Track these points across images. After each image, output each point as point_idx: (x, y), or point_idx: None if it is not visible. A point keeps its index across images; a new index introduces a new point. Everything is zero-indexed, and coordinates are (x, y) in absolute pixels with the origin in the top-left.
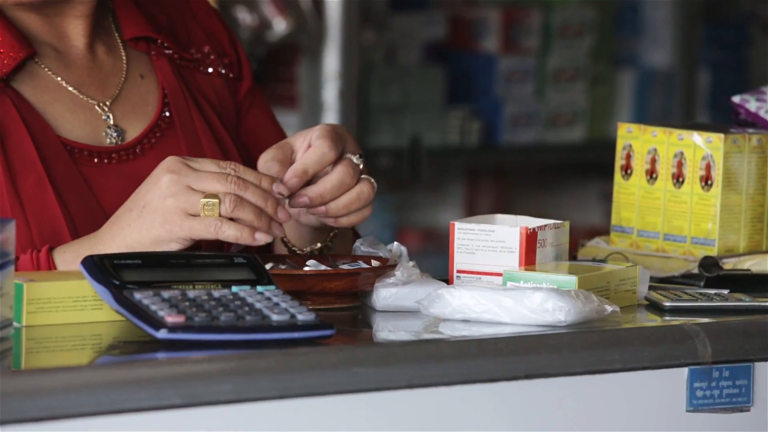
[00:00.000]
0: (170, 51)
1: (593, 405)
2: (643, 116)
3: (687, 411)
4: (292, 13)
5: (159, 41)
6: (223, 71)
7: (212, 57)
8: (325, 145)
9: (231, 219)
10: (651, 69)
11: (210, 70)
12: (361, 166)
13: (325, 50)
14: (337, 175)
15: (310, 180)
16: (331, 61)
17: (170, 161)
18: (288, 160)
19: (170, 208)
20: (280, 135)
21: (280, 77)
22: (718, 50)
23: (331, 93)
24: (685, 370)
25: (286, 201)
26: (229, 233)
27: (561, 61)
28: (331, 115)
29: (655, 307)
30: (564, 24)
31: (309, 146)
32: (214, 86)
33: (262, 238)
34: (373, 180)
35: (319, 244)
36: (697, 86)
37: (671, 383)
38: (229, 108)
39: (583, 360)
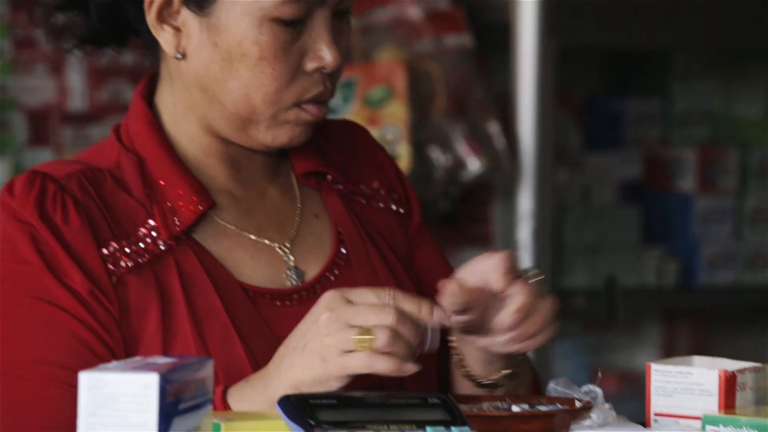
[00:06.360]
0: (341, 186)
1: None
2: None
3: None
4: (485, 152)
5: (330, 177)
6: (393, 207)
7: (382, 193)
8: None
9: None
10: None
11: (381, 205)
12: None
13: (519, 190)
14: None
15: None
16: (525, 200)
17: (329, 297)
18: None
19: (328, 347)
20: (449, 270)
21: (474, 216)
22: None
23: (525, 233)
24: None
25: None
26: (383, 367)
27: (759, 201)
28: (525, 255)
29: None
30: (762, 163)
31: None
32: (385, 221)
33: (410, 369)
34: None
35: (503, 372)
36: None
37: None
38: (402, 243)
39: None
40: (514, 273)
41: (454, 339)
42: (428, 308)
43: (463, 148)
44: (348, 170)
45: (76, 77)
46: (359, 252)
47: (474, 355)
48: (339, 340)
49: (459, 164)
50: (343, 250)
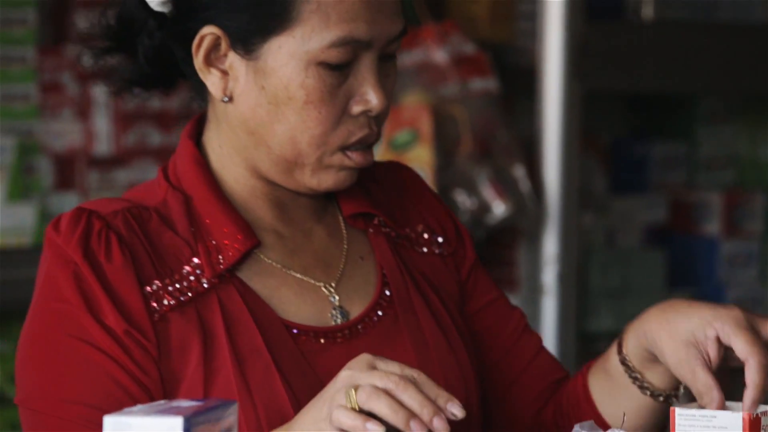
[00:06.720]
0: (387, 228)
1: None
2: None
3: None
4: (510, 195)
5: (377, 219)
6: (437, 250)
7: (425, 236)
8: (759, 359)
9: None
10: None
11: (424, 249)
12: None
13: (544, 233)
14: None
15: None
16: (550, 244)
17: (357, 358)
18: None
19: (332, 399)
20: (507, 304)
21: (498, 260)
22: None
23: (550, 276)
24: None
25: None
26: (345, 421)
27: None
28: (550, 299)
29: None
30: None
31: (719, 345)
32: (430, 265)
33: (373, 428)
34: None
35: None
36: None
37: None
38: (449, 286)
39: None
40: (756, 334)
41: (631, 362)
42: (445, 398)
43: (488, 192)
44: (394, 213)
45: (102, 121)
46: (402, 295)
47: (665, 375)
48: (339, 395)
49: (484, 208)
50: (387, 292)
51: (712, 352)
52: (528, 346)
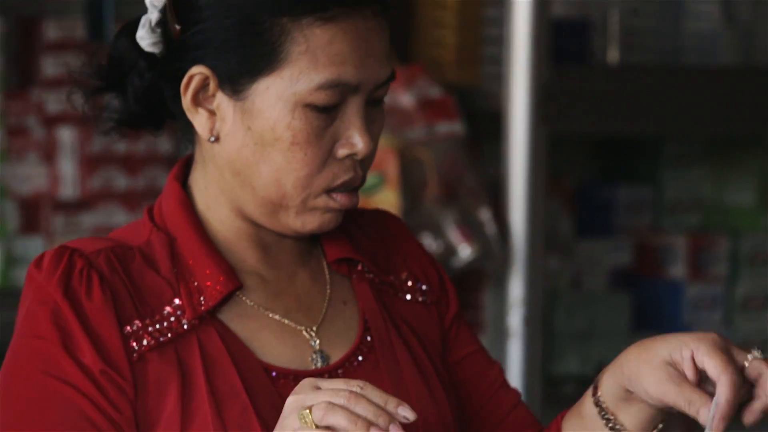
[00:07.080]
0: (371, 275)
1: None
2: None
3: None
4: (477, 239)
5: (360, 265)
6: (420, 298)
7: (409, 283)
8: (731, 377)
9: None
10: None
11: (408, 297)
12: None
13: (510, 276)
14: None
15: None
16: (516, 287)
17: (301, 383)
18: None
19: (285, 426)
20: (486, 358)
21: (465, 303)
22: None
23: (516, 319)
24: None
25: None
26: None
27: (749, 288)
28: (516, 342)
29: None
30: (752, 251)
31: (695, 366)
32: (413, 312)
33: None
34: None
35: (660, 426)
36: None
37: None
38: (431, 334)
39: None
40: (730, 357)
41: (605, 403)
42: (394, 404)
43: (454, 235)
44: (378, 260)
45: (67, 165)
46: (383, 340)
47: (637, 417)
48: (292, 419)
49: (450, 251)
50: (369, 338)
51: (689, 372)
52: (504, 401)
